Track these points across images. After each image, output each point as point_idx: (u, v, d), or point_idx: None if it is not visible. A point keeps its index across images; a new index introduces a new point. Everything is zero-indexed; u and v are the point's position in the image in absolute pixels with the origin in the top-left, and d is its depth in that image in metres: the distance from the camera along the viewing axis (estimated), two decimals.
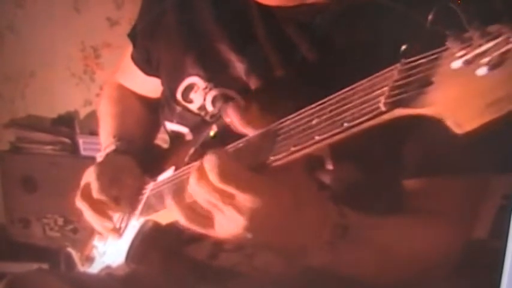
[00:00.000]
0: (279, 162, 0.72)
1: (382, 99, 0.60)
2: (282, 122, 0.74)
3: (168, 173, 0.99)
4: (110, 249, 1.06)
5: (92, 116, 2.42)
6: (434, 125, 0.56)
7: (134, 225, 1.00)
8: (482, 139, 0.55)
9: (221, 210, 0.75)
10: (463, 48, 0.54)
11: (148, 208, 0.97)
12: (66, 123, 2.48)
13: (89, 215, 1.03)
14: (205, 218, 0.77)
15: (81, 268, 1.14)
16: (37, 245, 2.34)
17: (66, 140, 2.40)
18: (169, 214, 0.88)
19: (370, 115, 0.61)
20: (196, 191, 0.75)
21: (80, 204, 1.02)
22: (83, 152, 2.37)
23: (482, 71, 0.52)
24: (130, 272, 0.99)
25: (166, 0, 1.05)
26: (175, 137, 1.06)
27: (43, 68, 2.51)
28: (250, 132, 0.80)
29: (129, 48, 1.17)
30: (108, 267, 1.04)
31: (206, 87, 0.98)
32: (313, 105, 0.70)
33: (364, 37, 0.89)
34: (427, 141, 0.84)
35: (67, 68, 2.50)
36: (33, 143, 2.40)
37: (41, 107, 2.55)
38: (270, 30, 0.95)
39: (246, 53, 0.96)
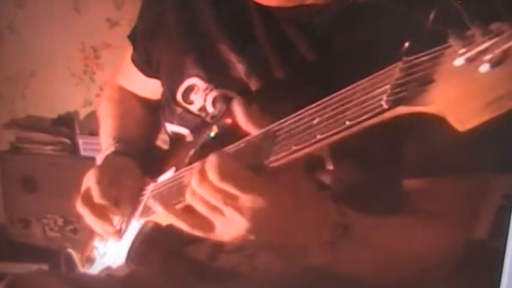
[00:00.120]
0: (279, 162, 0.72)
1: (384, 97, 0.60)
2: (283, 122, 0.74)
3: (169, 174, 0.99)
4: (110, 250, 1.06)
5: (92, 117, 2.42)
6: (435, 124, 0.56)
7: (134, 226, 1.00)
8: (482, 139, 0.55)
9: (221, 212, 0.75)
10: (464, 46, 0.54)
11: (149, 209, 0.97)
12: (66, 124, 2.47)
13: (91, 220, 1.03)
14: (206, 222, 0.77)
15: (82, 269, 1.14)
16: (37, 246, 2.33)
17: (66, 141, 2.39)
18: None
19: (372, 113, 0.61)
20: (198, 193, 0.75)
21: (81, 209, 1.02)
22: (82, 153, 2.37)
23: (484, 68, 0.52)
24: (131, 272, 0.99)
25: (166, 0, 1.05)
26: (176, 138, 1.06)
27: (43, 68, 2.51)
28: (253, 130, 0.80)
29: (129, 50, 1.17)
30: (108, 268, 1.04)
31: (206, 88, 0.98)
32: (314, 105, 0.70)
33: (363, 37, 0.89)
34: (427, 141, 0.84)
35: (67, 68, 2.50)
36: (33, 144, 2.40)
37: (40, 107, 2.54)
38: (269, 31, 0.95)
39: (246, 54, 0.96)
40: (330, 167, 0.90)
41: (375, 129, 0.63)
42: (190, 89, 1.00)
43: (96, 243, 1.12)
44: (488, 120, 0.52)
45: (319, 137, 0.67)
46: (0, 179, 2.39)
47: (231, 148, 0.81)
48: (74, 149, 2.38)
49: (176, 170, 0.98)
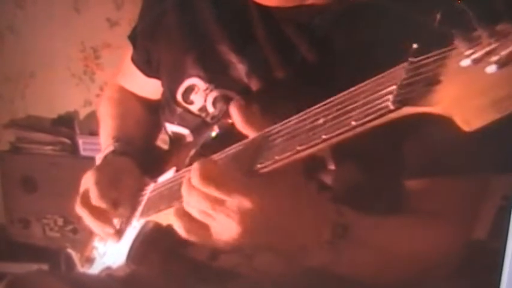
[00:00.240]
0: (280, 163, 0.72)
1: (391, 97, 0.60)
2: (286, 123, 0.74)
3: (169, 174, 0.99)
4: (110, 250, 1.06)
5: (92, 117, 2.42)
6: (436, 125, 0.56)
7: (135, 226, 1.00)
8: (483, 139, 0.55)
9: (214, 218, 0.75)
10: (471, 47, 0.54)
11: (149, 209, 0.97)
12: (66, 124, 2.47)
13: (90, 221, 1.03)
14: (203, 228, 0.77)
15: (81, 269, 1.14)
16: (37, 246, 2.34)
17: (66, 141, 2.39)
18: (170, 215, 0.88)
19: (378, 113, 0.61)
20: (188, 201, 0.76)
21: (80, 211, 1.02)
22: (82, 153, 2.37)
23: (490, 69, 0.52)
24: (131, 272, 0.99)
25: (166, 1, 1.05)
26: (176, 138, 1.06)
27: (43, 69, 2.51)
28: (251, 133, 0.80)
29: (130, 50, 1.17)
30: (108, 268, 1.04)
31: (207, 89, 0.98)
32: (318, 105, 0.70)
33: (363, 37, 0.89)
34: (427, 141, 0.84)
35: (67, 68, 2.50)
36: (33, 143, 2.40)
37: (40, 107, 2.54)
38: (269, 31, 0.95)
39: (246, 54, 0.96)
40: (332, 167, 0.90)
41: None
42: (190, 89, 1.00)
43: (96, 243, 1.12)
44: (495, 120, 0.52)
45: (324, 137, 0.67)
46: (0, 179, 2.39)
47: (228, 150, 0.81)
48: (73, 149, 2.38)
49: (177, 170, 0.98)
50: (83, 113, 2.52)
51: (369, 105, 0.62)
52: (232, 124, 0.82)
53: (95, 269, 1.09)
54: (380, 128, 0.62)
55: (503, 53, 0.51)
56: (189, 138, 1.02)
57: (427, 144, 0.86)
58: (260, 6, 0.94)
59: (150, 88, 1.17)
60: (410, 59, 0.61)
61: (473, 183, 0.89)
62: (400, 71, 0.62)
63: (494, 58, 0.52)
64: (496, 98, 0.51)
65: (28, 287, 0.98)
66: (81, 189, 1.05)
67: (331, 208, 0.81)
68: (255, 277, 0.95)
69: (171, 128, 1.06)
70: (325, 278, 0.86)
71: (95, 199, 1.00)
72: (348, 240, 0.80)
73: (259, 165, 0.74)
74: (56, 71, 2.50)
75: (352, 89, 0.66)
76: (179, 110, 1.02)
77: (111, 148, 1.10)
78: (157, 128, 1.21)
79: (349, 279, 0.86)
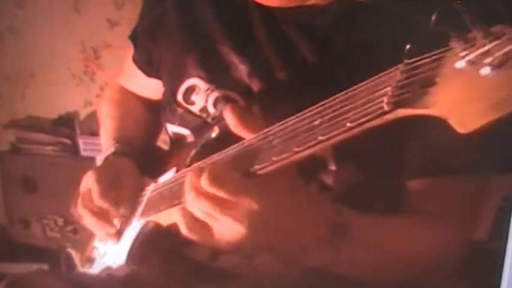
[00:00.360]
0: (278, 165, 0.72)
1: (385, 99, 0.60)
2: (284, 123, 0.74)
3: (169, 174, 0.99)
4: (111, 250, 1.06)
5: (92, 117, 2.41)
6: (436, 126, 0.56)
7: (135, 226, 1.00)
8: (483, 139, 0.55)
9: (217, 219, 0.75)
10: (466, 49, 0.54)
11: (149, 209, 0.97)
12: (66, 124, 2.47)
13: (91, 222, 1.02)
14: (205, 227, 0.77)
15: (81, 269, 1.14)
16: (37, 246, 2.34)
17: (67, 141, 2.39)
18: (170, 215, 0.88)
19: (374, 115, 0.61)
20: (193, 203, 0.76)
21: (82, 211, 1.02)
22: (83, 153, 2.37)
23: (485, 70, 0.52)
24: (131, 272, 0.99)
25: (167, 1, 1.05)
26: (177, 138, 1.06)
27: (43, 69, 2.51)
28: (246, 135, 0.80)
29: (130, 50, 1.17)
30: (108, 268, 1.04)
31: (208, 89, 0.98)
32: (315, 106, 0.70)
33: (364, 38, 0.90)
34: (428, 142, 0.84)
35: (67, 68, 2.50)
36: (33, 144, 2.40)
37: (41, 107, 2.55)
38: (270, 31, 0.95)
39: (247, 55, 0.96)
40: (332, 167, 0.90)
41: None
42: (191, 89, 1.00)
43: (96, 243, 1.12)
44: (490, 122, 0.52)
45: (320, 138, 0.67)
46: (0, 179, 2.39)
47: (227, 152, 0.81)
48: (74, 149, 2.39)
49: (177, 171, 0.98)
50: (83, 113, 2.52)
51: (365, 107, 0.63)
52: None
53: (95, 269, 1.09)
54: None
55: (498, 54, 0.51)
56: (190, 138, 1.02)
57: (427, 145, 0.86)
58: (261, 6, 0.94)
59: (151, 88, 1.17)
60: (406, 61, 0.61)
61: (473, 184, 0.90)
62: (395, 73, 0.62)
63: (489, 60, 0.52)
64: (490, 99, 0.51)
65: (28, 287, 0.98)
66: (82, 189, 1.05)
67: (330, 208, 0.81)
68: (255, 277, 0.95)
69: (172, 128, 1.06)
70: (325, 278, 0.86)
71: (97, 198, 1.00)
72: (348, 239, 0.80)
73: (257, 167, 0.74)
74: (56, 71, 2.50)
75: (349, 90, 0.66)
76: (180, 110, 1.02)
77: (111, 149, 1.10)
78: (157, 128, 1.21)
79: (349, 279, 0.86)
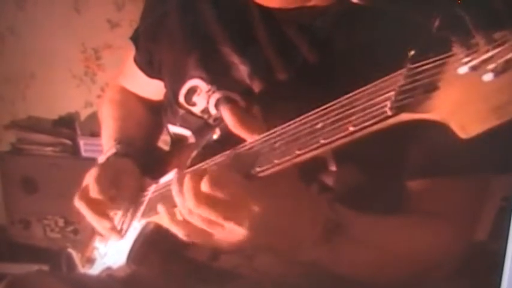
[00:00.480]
0: (279, 167, 0.72)
1: (388, 103, 0.60)
2: (285, 126, 0.74)
3: (170, 175, 0.99)
4: (111, 251, 1.06)
5: (93, 118, 2.42)
6: (437, 127, 0.56)
7: (135, 227, 1.00)
8: (483, 140, 0.55)
9: (219, 225, 0.75)
10: (469, 54, 0.55)
11: (150, 210, 0.97)
12: (66, 125, 2.48)
13: (87, 215, 1.02)
14: (205, 232, 0.77)
15: (82, 269, 1.14)
16: (37, 246, 2.34)
17: (67, 142, 2.40)
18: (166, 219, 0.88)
19: (376, 119, 0.61)
20: (194, 210, 0.76)
21: (78, 204, 1.02)
22: (83, 154, 2.37)
23: (488, 76, 0.52)
24: (131, 273, 0.99)
25: (168, 2, 1.06)
26: (178, 139, 1.06)
27: (43, 69, 2.51)
28: (245, 134, 0.80)
29: (131, 51, 1.17)
30: (108, 268, 1.04)
31: (209, 90, 0.98)
32: (317, 110, 0.70)
33: (364, 39, 0.90)
34: (428, 142, 0.84)
35: (68, 69, 2.50)
36: (33, 144, 2.40)
37: (41, 108, 2.55)
38: (271, 32, 0.95)
39: (248, 55, 0.96)
40: (333, 168, 0.90)
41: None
42: (192, 90, 1.00)
43: (97, 243, 1.12)
44: (492, 127, 0.52)
45: (322, 141, 0.67)
46: (0, 179, 2.39)
47: (227, 154, 0.81)
48: (74, 150, 2.39)
49: (178, 172, 0.98)
50: (83, 114, 2.52)
51: (367, 111, 0.63)
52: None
53: (95, 270, 1.09)
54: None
55: (501, 60, 0.52)
56: (191, 139, 1.02)
57: (428, 145, 0.86)
58: (261, 7, 0.94)
59: (152, 89, 1.17)
60: (409, 65, 0.61)
61: (474, 184, 0.90)
62: (398, 77, 0.62)
63: (492, 66, 0.52)
64: (492, 105, 0.52)
65: None
66: (83, 184, 1.05)
67: (324, 205, 0.81)
68: (255, 278, 0.95)
69: (173, 129, 1.06)
70: (325, 279, 0.86)
71: (93, 192, 0.99)
72: (345, 238, 0.80)
73: (258, 169, 0.74)
74: (57, 71, 2.50)
75: (351, 94, 0.66)
76: (181, 111, 1.02)
77: (113, 150, 1.10)
78: (158, 129, 1.21)
79: (349, 279, 0.86)
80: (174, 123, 1.06)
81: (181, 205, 0.77)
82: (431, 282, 0.92)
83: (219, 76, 0.98)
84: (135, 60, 1.17)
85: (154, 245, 0.98)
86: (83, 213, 1.03)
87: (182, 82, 1.01)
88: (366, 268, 0.86)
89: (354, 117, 0.64)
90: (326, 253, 0.81)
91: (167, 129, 1.09)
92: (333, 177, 0.91)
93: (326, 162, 0.90)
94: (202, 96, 0.99)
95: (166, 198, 0.93)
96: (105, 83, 2.43)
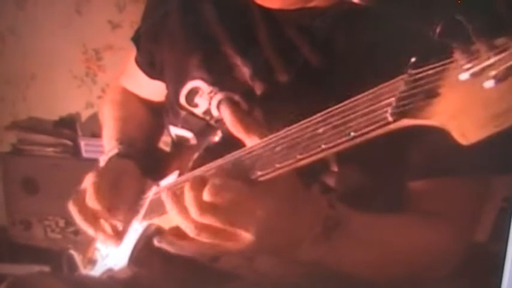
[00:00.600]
0: (280, 171, 0.72)
1: (389, 109, 0.60)
2: (287, 131, 0.74)
3: (172, 177, 0.99)
4: (113, 252, 1.06)
5: (94, 118, 2.42)
6: (438, 131, 0.57)
7: (137, 228, 1.00)
8: (483, 141, 0.55)
9: (225, 232, 0.75)
10: (470, 61, 0.55)
11: (151, 212, 0.97)
12: (67, 126, 2.48)
13: (78, 220, 1.02)
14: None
15: (83, 271, 1.14)
16: (38, 247, 2.34)
17: (68, 142, 2.40)
18: (172, 219, 0.88)
19: (377, 125, 0.62)
20: (198, 219, 0.76)
21: (71, 208, 1.02)
22: (84, 154, 2.37)
23: (489, 83, 0.52)
24: (133, 275, 0.99)
25: (169, 2, 1.06)
26: (179, 141, 1.06)
27: (44, 70, 2.51)
28: (244, 135, 0.80)
29: (132, 52, 1.17)
30: (110, 270, 1.04)
31: (211, 92, 0.98)
32: (318, 114, 0.70)
33: (365, 40, 0.90)
34: (429, 144, 0.85)
35: (69, 70, 2.50)
36: (34, 145, 2.40)
37: (42, 109, 2.55)
38: (272, 33, 0.96)
39: (250, 57, 0.96)
40: (335, 169, 0.90)
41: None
42: (194, 91, 1.00)
43: (98, 244, 1.12)
44: (492, 134, 0.52)
45: (323, 146, 0.67)
46: (1, 180, 2.40)
47: (228, 158, 0.81)
48: (75, 150, 2.39)
49: (180, 174, 0.98)
50: (84, 114, 2.52)
51: (368, 117, 0.63)
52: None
53: (96, 271, 1.09)
54: (384, 133, 0.63)
55: (502, 67, 0.52)
56: (193, 141, 1.02)
57: (429, 146, 0.86)
58: (262, 8, 0.95)
59: (153, 90, 1.17)
60: (409, 71, 0.62)
61: (474, 185, 0.90)
62: (399, 83, 0.62)
63: (493, 73, 0.52)
64: (493, 112, 0.52)
65: None
66: (81, 188, 1.05)
67: (324, 204, 0.81)
68: (256, 279, 0.95)
69: (175, 131, 1.06)
70: (325, 279, 0.86)
71: (89, 199, 0.99)
72: (345, 236, 0.80)
73: (259, 173, 0.74)
74: (58, 72, 2.50)
75: (352, 99, 0.67)
76: (183, 113, 1.02)
77: (115, 151, 1.10)
78: (159, 130, 1.21)
79: (349, 279, 0.86)
80: (175, 125, 1.06)
81: (185, 223, 0.77)
82: (431, 282, 0.92)
83: (220, 77, 0.98)
84: (136, 61, 1.17)
85: (156, 247, 0.98)
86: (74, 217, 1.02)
87: (183, 83, 1.02)
88: (366, 268, 0.86)
89: (354, 123, 0.64)
90: (326, 252, 0.81)
91: (168, 131, 1.09)
92: (334, 178, 0.91)
93: (328, 163, 0.90)
94: (204, 98, 0.99)
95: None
96: (106, 83, 2.43)
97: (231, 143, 0.82)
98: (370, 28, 0.88)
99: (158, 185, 1.01)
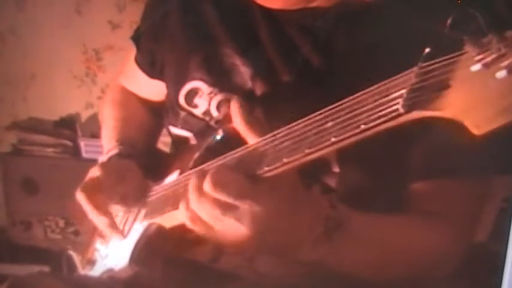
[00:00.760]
0: (289, 165, 0.72)
1: (400, 101, 0.60)
2: (292, 126, 0.74)
3: (172, 177, 0.99)
4: (113, 252, 1.06)
5: (94, 119, 2.43)
6: (438, 129, 0.57)
7: (137, 228, 1.00)
8: (483, 141, 0.55)
9: (219, 219, 0.75)
10: (481, 53, 0.55)
11: (152, 211, 0.97)
12: (67, 126, 2.48)
13: (87, 208, 1.01)
14: (207, 225, 0.78)
15: (82, 271, 1.14)
16: (38, 247, 2.34)
17: (68, 143, 2.40)
18: (174, 217, 0.88)
19: (388, 117, 0.61)
20: (195, 205, 0.76)
21: (79, 195, 1.01)
22: (84, 155, 2.38)
23: (501, 74, 0.52)
24: (133, 274, 0.99)
25: (169, 3, 1.05)
26: (179, 141, 1.06)
27: (44, 71, 2.51)
28: (250, 134, 0.80)
29: (133, 51, 1.17)
30: (110, 270, 1.04)
31: (211, 92, 0.98)
32: (326, 109, 0.70)
33: (367, 40, 0.90)
34: (430, 145, 0.85)
35: (69, 70, 2.50)
36: (34, 146, 2.40)
37: (42, 109, 2.55)
38: (273, 33, 0.95)
39: (250, 57, 0.96)
40: (336, 169, 0.90)
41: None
42: (194, 92, 1.00)
43: (98, 245, 1.12)
44: (504, 124, 0.53)
45: (334, 139, 0.67)
46: (1, 180, 2.40)
47: (232, 154, 0.81)
48: (75, 151, 2.39)
49: (180, 174, 0.98)
50: (84, 115, 2.52)
51: (379, 109, 0.63)
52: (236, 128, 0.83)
53: (96, 271, 1.09)
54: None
55: None
56: (193, 141, 1.02)
57: (429, 147, 0.86)
58: (263, 8, 0.94)
59: (153, 89, 1.17)
60: (420, 64, 0.61)
61: (474, 185, 0.90)
62: (409, 76, 0.62)
63: (505, 63, 0.52)
64: (506, 102, 0.52)
65: None
66: (87, 177, 1.04)
67: (325, 204, 0.81)
68: (256, 279, 0.95)
69: (175, 131, 1.06)
70: (325, 279, 0.86)
71: (101, 185, 0.99)
72: (346, 237, 0.80)
73: (266, 168, 0.74)
74: (58, 73, 2.50)
75: (361, 92, 0.66)
76: (183, 113, 1.02)
77: (115, 151, 1.10)
78: (158, 130, 1.21)
79: (350, 279, 0.86)
80: (175, 125, 1.05)
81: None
82: (432, 283, 0.92)
83: (220, 78, 0.98)
84: (136, 61, 1.17)
85: (156, 247, 0.98)
86: (83, 208, 1.02)
87: (183, 83, 1.01)
88: (367, 268, 0.86)
89: (364, 115, 0.64)
90: (327, 253, 0.81)
91: (168, 131, 1.09)
92: (335, 179, 0.91)
93: (329, 163, 0.90)
94: (203, 98, 0.99)
95: (169, 200, 0.93)
96: (105, 84, 2.44)
97: (231, 142, 0.82)
98: (372, 28, 0.88)
99: (159, 185, 1.01)
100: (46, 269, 1.93)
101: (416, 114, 0.60)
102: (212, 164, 0.84)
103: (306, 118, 0.73)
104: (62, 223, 2.32)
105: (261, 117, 0.94)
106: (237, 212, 0.74)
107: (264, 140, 0.77)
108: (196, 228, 0.79)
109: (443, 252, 0.90)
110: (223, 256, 0.95)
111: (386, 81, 0.64)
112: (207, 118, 0.99)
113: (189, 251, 0.97)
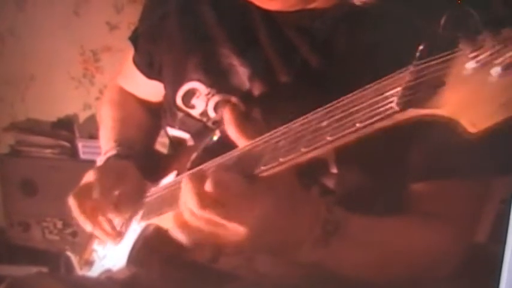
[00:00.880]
0: (286, 165, 0.72)
1: (395, 99, 0.60)
2: (289, 125, 0.74)
3: (170, 178, 0.99)
4: (110, 253, 1.06)
5: (92, 120, 2.42)
6: (436, 129, 0.57)
7: (135, 229, 1.00)
8: (482, 142, 0.55)
9: (221, 225, 0.75)
10: (476, 50, 0.55)
11: (150, 212, 0.97)
12: (65, 127, 2.47)
13: (76, 214, 1.02)
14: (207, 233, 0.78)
15: (79, 272, 1.14)
16: (36, 248, 2.34)
17: (66, 144, 2.40)
18: (170, 219, 0.88)
19: (383, 115, 0.61)
20: (197, 213, 0.76)
21: (71, 201, 1.01)
22: (82, 156, 2.37)
23: (495, 71, 0.52)
24: (131, 275, 0.99)
25: (167, 3, 1.05)
26: (177, 142, 1.06)
27: (43, 72, 2.51)
28: (242, 139, 0.80)
29: (131, 52, 1.17)
30: (108, 270, 1.04)
31: (208, 93, 0.98)
32: (321, 108, 0.70)
33: (365, 41, 0.90)
34: (428, 145, 0.85)
35: (67, 71, 2.50)
36: (32, 147, 2.40)
37: (40, 110, 2.55)
38: (271, 34, 0.95)
39: (248, 58, 0.96)
40: (334, 170, 0.90)
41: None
42: (191, 93, 1.00)
43: (96, 246, 1.12)
44: (500, 121, 0.52)
45: (329, 138, 0.67)
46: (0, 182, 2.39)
47: (230, 154, 0.81)
48: (73, 152, 2.39)
49: (178, 174, 0.98)
50: (82, 116, 2.52)
51: (374, 107, 0.63)
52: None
53: (94, 272, 1.09)
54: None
55: (508, 55, 0.52)
56: (190, 142, 1.02)
57: (428, 148, 0.86)
58: (262, 9, 0.94)
59: (151, 90, 1.17)
60: (415, 62, 0.61)
61: (474, 186, 0.90)
62: (405, 74, 0.62)
63: (499, 60, 0.52)
64: (501, 99, 0.52)
65: None
66: (81, 183, 1.04)
67: (323, 207, 0.81)
68: (255, 279, 0.95)
69: (172, 132, 1.06)
70: (324, 280, 0.86)
71: (96, 192, 0.99)
72: (344, 239, 0.80)
73: (263, 167, 0.74)
74: (56, 74, 2.50)
75: (357, 91, 0.66)
76: (180, 114, 1.02)
77: (113, 151, 1.10)
78: (156, 131, 1.21)
79: (349, 280, 0.86)
80: (172, 126, 1.05)
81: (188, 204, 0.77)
82: (432, 283, 0.92)
83: (218, 79, 0.98)
84: (134, 61, 1.17)
85: (154, 247, 0.98)
86: (72, 212, 1.02)
87: (180, 84, 1.01)
88: (366, 269, 0.87)
89: (360, 114, 0.64)
90: (325, 254, 0.81)
91: (166, 132, 1.09)
92: (333, 180, 0.91)
93: (327, 164, 0.90)
94: (201, 99, 0.99)
95: (166, 201, 0.93)
96: (103, 85, 2.43)
97: (229, 143, 0.82)
98: (370, 29, 0.88)
99: (156, 186, 1.01)
100: (44, 269, 1.92)
101: (411, 112, 0.60)
102: (209, 165, 0.84)
103: (302, 117, 0.73)
104: (60, 224, 2.32)
105: (259, 118, 0.94)
106: (239, 214, 0.74)
107: (261, 139, 0.77)
108: (197, 240, 0.79)
109: (443, 252, 0.90)
110: (222, 256, 0.95)
111: (382, 80, 0.64)
112: (205, 119, 0.99)
113: (188, 251, 0.97)
